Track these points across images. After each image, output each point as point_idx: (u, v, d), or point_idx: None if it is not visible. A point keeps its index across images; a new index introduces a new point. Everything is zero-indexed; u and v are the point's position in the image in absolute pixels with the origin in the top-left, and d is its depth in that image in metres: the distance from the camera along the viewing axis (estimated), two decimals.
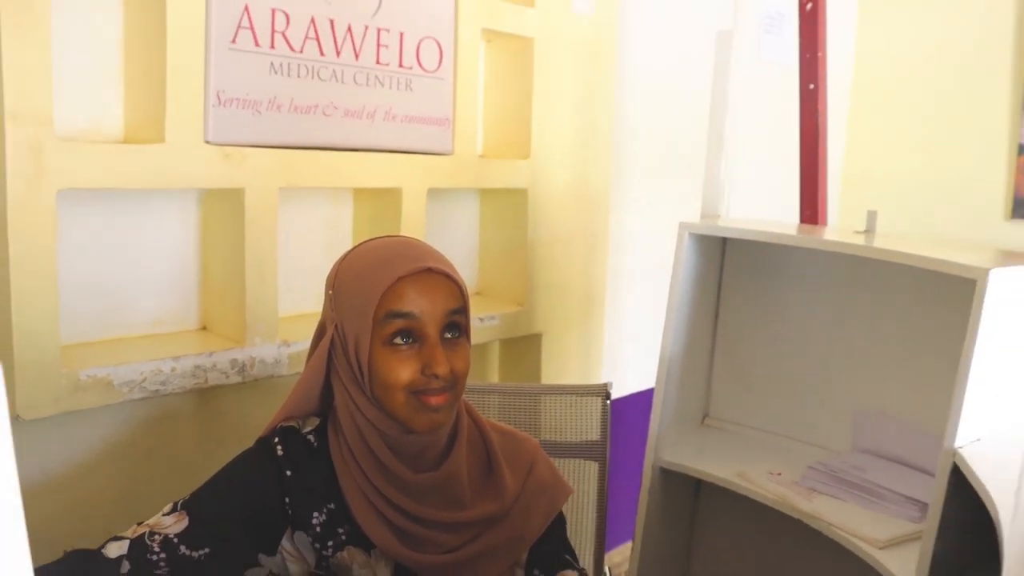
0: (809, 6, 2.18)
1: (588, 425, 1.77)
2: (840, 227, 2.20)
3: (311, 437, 1.27)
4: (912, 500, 1.72)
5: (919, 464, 1.86)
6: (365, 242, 1.32)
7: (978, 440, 1.47)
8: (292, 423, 1.29)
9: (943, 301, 1.62)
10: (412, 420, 1.17)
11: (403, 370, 1.17)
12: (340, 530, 1.23)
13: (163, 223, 1.87)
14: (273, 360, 1.91)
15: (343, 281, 1.25)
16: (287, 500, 1.22)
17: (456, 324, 1.20)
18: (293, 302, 2.09)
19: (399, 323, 1.17)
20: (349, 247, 2.17)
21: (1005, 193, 3.91)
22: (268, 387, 1.92)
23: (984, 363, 1.45)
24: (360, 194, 2.21)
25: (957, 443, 1.43)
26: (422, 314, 1.17)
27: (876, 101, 4.80)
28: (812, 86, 2.18)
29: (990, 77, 3.91)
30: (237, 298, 1.88)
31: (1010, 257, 1.66)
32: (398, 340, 1.17)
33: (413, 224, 2.16)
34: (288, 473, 1.23)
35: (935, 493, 1.45)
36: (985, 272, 1.40)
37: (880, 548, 1.60)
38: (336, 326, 1.24)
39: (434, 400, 1.17)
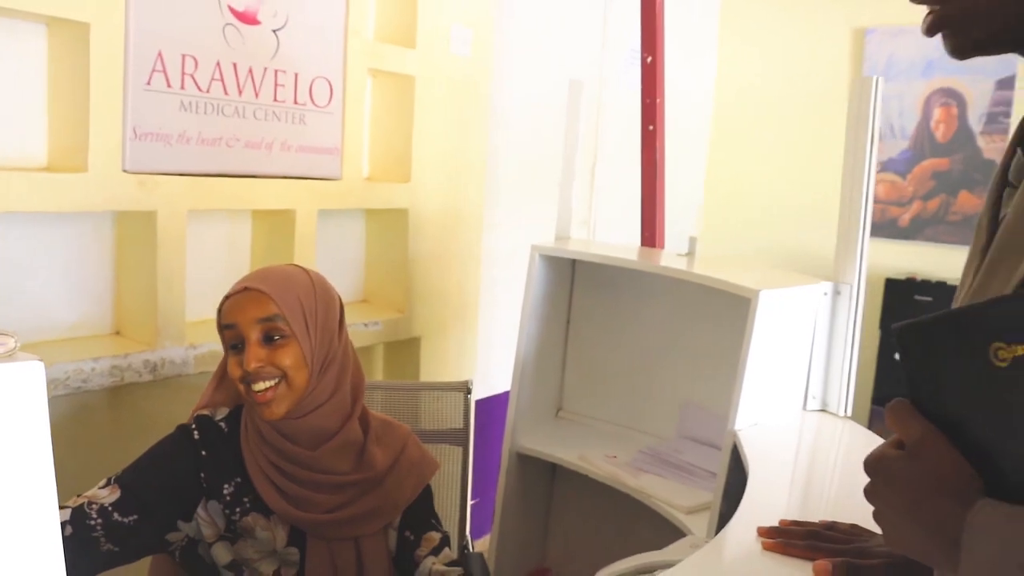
0: (649, 59, 2.57)
1: (454, 415, 2.10)
2: (671, 250, 2.59)
3: (222, 424, 1.58)
4: (714, 474, 2.11)
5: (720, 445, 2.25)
6: None
7: (755, 424, 1.87)
8: (207, 412, 1.59)
9: (735, 314, 2.01)
10: (256, 410, 1.50)
11: (234, 368, 1.50)
12: (245, 499, 1.53)
13: (81, 240, 2.12)
14: (181, 361, 2.18)
15: None
16: (202, 475, 1.52)
17: (275, 329, 1.49)
18: (199, 309, 2.35)
19: (228, 333, 1.51)
20: (247, 261, 2.47)
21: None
22: (177, 385, 2.19)
23: (757, 363, 1.85)
24: (258, 215, 2.49)
25: (737, 426, 1.82)
26: (237, 324, 1.49)
27: (734, 130, 5.33)
28: (651, 127, 2.57)
29: (837, 105, 4.37)
30: (150, 306, 2.15)
31: (788, 278, 2.07)
32: (233, 346, 1.50)
33: (305, 241, 2.46)
34: (203, 453, 1.53)
35: (720, 466, 1.84)
36: (756, 292, 1.80)
37: (685, 513, 1.98)
38: None
39: (259, 397, 1.48)
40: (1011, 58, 4.03)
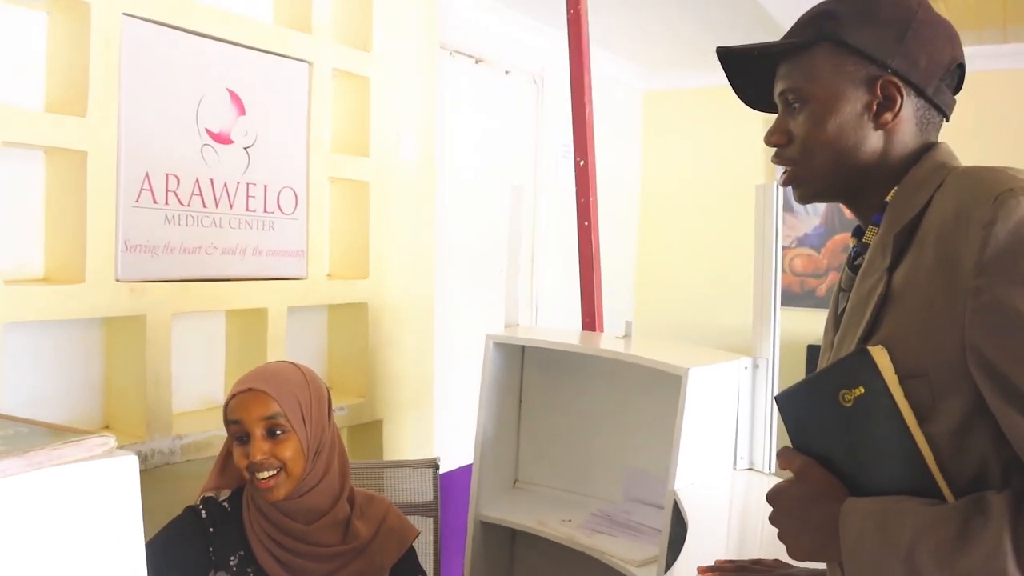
0: (582, 162, 2.89)
1: (424, 489, 2.33)
2: (610, 332, 2.88)
3: (225, 504, 1.79)
4: (658, 530, 2.36)
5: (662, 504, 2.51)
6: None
7: (692, 484, 2.13)
8: (211, 494, 1.81)
9: (669, 388, 2.28)
10: (259, 494, 1.72)
11: (240, 459, 1.72)
12: (249, 569, 1.74)
13: (73, 343, 2.32)
14: (169, 451, 2.38)
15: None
16: (211, 549, 1.73)
17: (276, 426, 1.71)
18: (180, 402, 2.55)
19: (234, 427, 1.73)
20: (223, 355, 2.68)
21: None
22: (165, 473, 2.37)
23: (690, 431, 2.12)
24: (232, 313, 2.71)
25: (676, 486, 2.09)
26: (243, 420, 1.71)
27: (660, 217, 5.74)
28: (586, 223, 2.87)
29: (753, 193, 4.76)
30: (138, 401, 2.34)
31: (713, 355, 2.36)
32: (239, 438, 1.72)
33: (276, 335, 2.68)
34: (211, 530, 1.74)
35: (663, 521, 2.10)
36: (686, 370, 2.09)
37: (636, 566, 2.23)
38: None
39: (261, 484, 1.70)
40: None
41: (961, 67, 1.08)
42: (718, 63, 1.17)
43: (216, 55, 2.47)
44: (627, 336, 2.60)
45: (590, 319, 2.88)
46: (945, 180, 0.99)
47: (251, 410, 1.71)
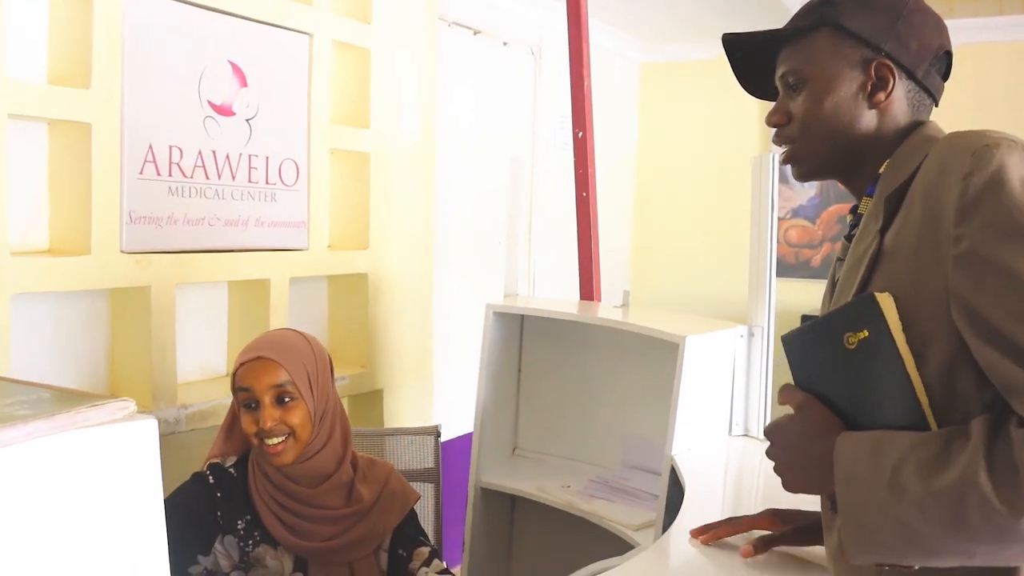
0: (580, 134, 2.91)
1: (425, 456, 2.38)
2: (607, 302, 2.92)
3: (232, 470, 1.83)
4: (655, 495, 2.41)
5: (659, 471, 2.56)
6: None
7: (688, 449, 2.18)
8: (218, 460, 1.85)
9: (666, 356, 2.32)
10: (267, 459, 1.76)
11: (249, 425, 1.76)
12: (256, 533, 1.79)
13: (79, 314, 2.35)
14: (175, 420, 2.42)
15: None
16: (218, 513, 1.78)
17: (285, 393, 1.76)
18: (184, 372, 2.58)
19: (243, 395, 1.77)
20: (225, 326, 2.71)
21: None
22: (169, 443, 2.40)
23: (687, 398, 2.17)
24: (234, 284, 2.74)
25: (673, 452, 2.13)
26: (253, 388, 1.75)
27: (657, 189, 5.77)
28: (585, 194, 2.90)
29: (747, 165, 4.80)
30: (144, 371, 2.38)
31: (710, 324, 2.41)
32: (247, 405, 1.76)
33: (278, 305, 2.71)
34: (218, 495, 1.79)
35: (661, 487, 2.15)
36: (683, 338, 2.13)
37: (634, 530, 2.28)
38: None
39: (270, 449, 1.74)
40: None
41: (949, 55, 1.17)
42: (715, 36, 1.26)
43: (218, 27, 2.49)
44: (625, 305, 2.64)
45: (588, 289, 2.92)
46: (932, 148, 1.06)
47: (261, 378, 1.74)
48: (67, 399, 1.03)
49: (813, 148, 1.17)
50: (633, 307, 2.67)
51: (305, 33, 2.74)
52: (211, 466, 1.84)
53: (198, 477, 1.83)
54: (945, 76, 1.19)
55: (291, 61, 2.72)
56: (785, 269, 5.18)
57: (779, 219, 4.95)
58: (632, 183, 5.77)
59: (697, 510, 1.80)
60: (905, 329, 0.99)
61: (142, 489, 1.05)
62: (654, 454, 2.44)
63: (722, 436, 2.36)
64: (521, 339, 2.85)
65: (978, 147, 0.98)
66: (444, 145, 3.60)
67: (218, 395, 2.55)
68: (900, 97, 1.14)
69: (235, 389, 1.78)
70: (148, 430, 1.08)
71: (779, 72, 1.20)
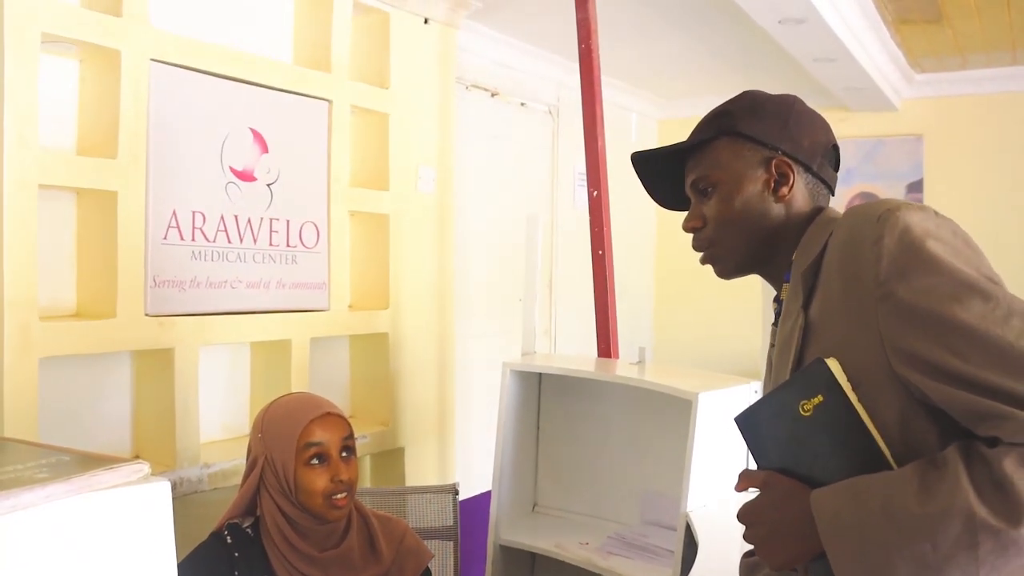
0: (595, 193, 2.96)
1: (444, 514, 2.39)
2: (625, 358, 2.94)
3: (248, 530, 1.85)
4: (672, 551, 2.40)
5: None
6: (279, 399, 1.93)
7: (704, 505, 2.18)
8: (235, 520, 1.87)
9: (681, 412, 2.34)
10: (327, 514, 1.78)
11: (319, 481, 1.78)
12: None
13: (104, 376, 2.41)
14: (196, 479, 2.45)
15: (269, 425, 1.85)
16: (236, 573, 1.79)
17: (348, 447, 1.83)
18: (206, 431, 2.62)
19: (314, 450, 1.79)
20: (248, 386, 2.75)
21: None
22: (193, 501, 2.45)
23: (701, 453, 2.18)
24: (255, 345, 2.79)
25: (689, 508, 2.14)
26: (326, 442, 1.79)
27: (677, 242, 5.80)
28: (600, 252, 2.94)
29: None
30: (167, 431, 2.43)
31: (723, 380, 2.42)
32: (314, 461, 1.79)
33: (299, 365, 2.76)
34: (236, 554, 1.81)
35: (676, 543, 2.15)
36: (696, 395, 2.15)
37: None
38: (266, 457, 1.83)
39: (340, 503, 1.78)
40: (919, 162, 4.53)
41: (836, 149, 1.28)
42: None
43: (239, 96, 2.57)
44: (641, 362, 2.66)
45: (605, 346, 2.94)
46: (836, 223, 1.15)
47: (333, 431, 1.81)
48: (85, 462, 1.07)
49: (730, 245, 1.26)
50: (650, 362, 2.69)
51: (324, 100, 2.82)
52: (229, 526, 1.87)
53: (216, 537, 1.85)
54: (835, 168, 1.29)
55: (311, 127, 2.80)
56: None
57: None
58: (653, 237, 5.81)
59: (710, 567, 1.80)
60: (854, 388, 1.04)
61: (155, 549, 1.08)
62: (671, 510, 2.44)
63: (738, 493, 2.36)
64: (539, 396, 2.88)
65: (881, 212, 1.06)
66: (463, 205, 3.67)
67: (240, 454, 2.57)
68: (800, 188, 1.24)
69: (303, 446, 1.79)
70: (161, 492, 1.11)
71: (689, 180, 1.30)
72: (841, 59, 4.04)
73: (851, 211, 1.13)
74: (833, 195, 1.29)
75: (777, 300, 1.26)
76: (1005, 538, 0.92)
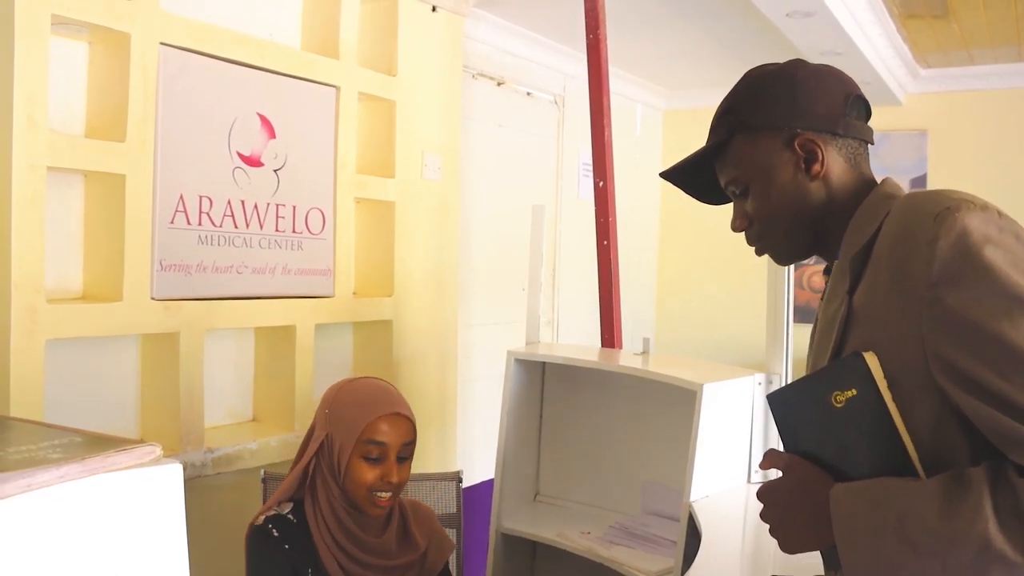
0: (601, 183, 2.96)
1: (447, 502, 2.40)
2: (628, 348, 2.95)
3: (290, 516, 1.84)
4: (674, 542, 2.41)
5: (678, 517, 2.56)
6: (354, 380, 1.93)
7: (707, 496, 2.19)
8: (274, 511, 1.83)
9: (685, 403, 2.34)
10: (367, 508, 1.80)
11: (368, 475, 1.78)
12: None
13: (110, 359, 2.41)
14: (201, 463, 2.46)
15: (339, 407, 1.84)
16: (290, 566, 1.79)
17: (409, 452, 1.84)
18: (210, 416, 2.63)
19: (374, 449, 1.79)
20: (251, 372, 2.73)
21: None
22: (195, 486, 2.45)
23: (705, 444, 2.18)
24: (260, 330, 2.80)
25: (691, 498, 2.15)
26: (388, 442, 1.80)
27: (680, 233, 5.80)
28: (605, 242, 2.94)
29: None
30: (172, 415, 2.43)
31: (728, 371, 2.43)
32: (371, 457, 1.79)
33: (304, 352, 2.76)
34: (286, 547, 1.79)
35: (679, 533, 2.16)
36: (700, 385, 2.16)
37: None
38: (327, 435, 1.83)
39: (382, 502, 1.79)
40: (923, 157, 4.52)
41: (860, 97, 1.20)
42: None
43: (247, 81, 2.57)
44: (645, 352, 2.67)
45: (609, 336, 2.95)
46: (892, 207, 1.09)
47: (399, 435, 1.82)
48: (97, 443, 1.08)
49: (779, 239, 1.22)
50: (654, 353, 2.70)
51: (332, 86, 2.82)
52: (272, 518, 1.82)
53: (262, 533, 1.80)
54: (867, 116, 1.22)
55: (318, 113, 2.80)
56: (808, 315, 5.16)
57: (804, 265, 4.95)
58: (656, 227, 5.81)
59: (713, 558, 1.81)
60: (890, 387, 1.02)
61: (167, 531, 1.09)
62: (673, 501, 2.45)
63: (741, 483, 2.37)
64: (543, 385, 2.88)
65: (939, 211, 1.01)
66: (468, 193, 3.67)
67: (244, 439, 2.59)
68: (834, 158, 1.17)
69: (363, 441, 1.79)
70: (173, 474, 1.13)
71: (723, 183, 1.27)
72: (847, 53, 4.03)
73: (909, 201, 1.08)
74: (873, 143, 1.22)
75: (828, 272, 1.22)
76: (1019, 573, 0.91)
